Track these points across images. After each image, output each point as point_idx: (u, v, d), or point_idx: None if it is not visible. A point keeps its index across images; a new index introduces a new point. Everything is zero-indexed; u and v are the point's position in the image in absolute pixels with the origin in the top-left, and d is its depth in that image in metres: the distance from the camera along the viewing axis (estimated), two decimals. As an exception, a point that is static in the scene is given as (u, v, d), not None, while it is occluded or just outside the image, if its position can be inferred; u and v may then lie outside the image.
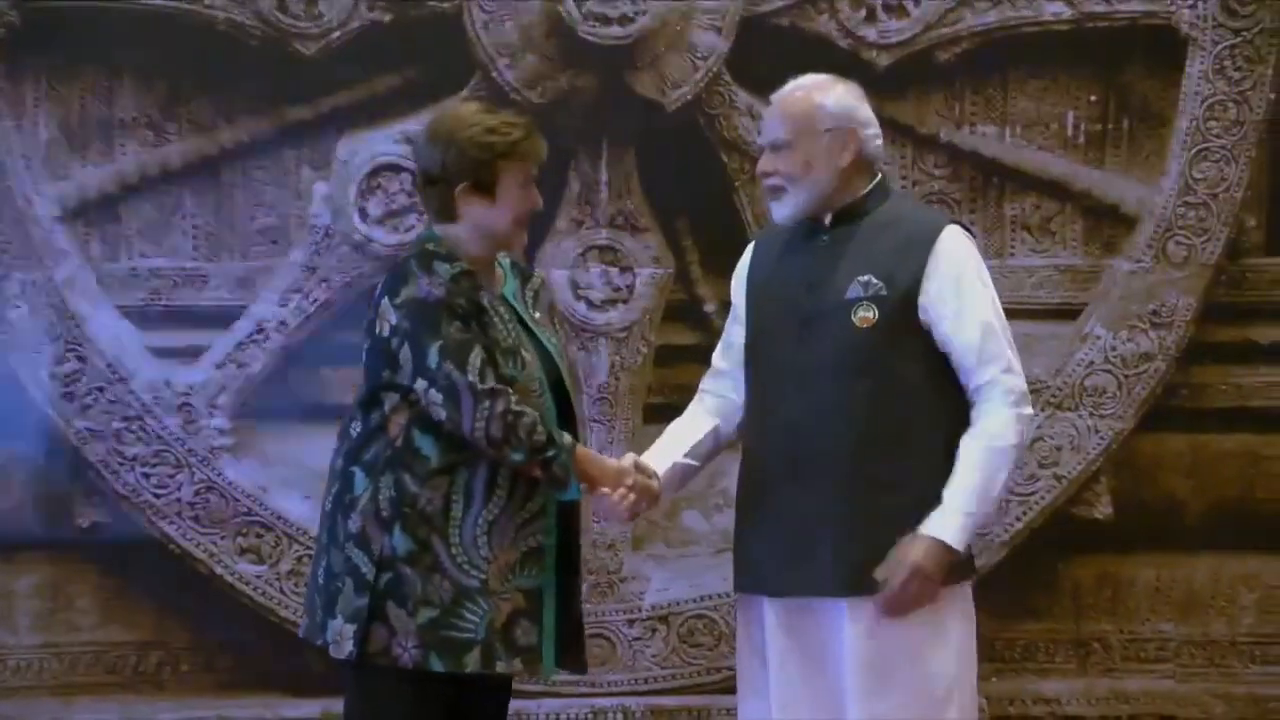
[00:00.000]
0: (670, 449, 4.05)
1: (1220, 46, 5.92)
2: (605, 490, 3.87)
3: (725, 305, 5.96)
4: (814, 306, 3.89)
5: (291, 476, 5.99)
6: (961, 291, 3.87)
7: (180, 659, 6.04)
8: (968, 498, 3.81)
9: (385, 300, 3.76)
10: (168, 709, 5.95)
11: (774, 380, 3.93)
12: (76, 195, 5.99)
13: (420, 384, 3.72)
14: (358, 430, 3.82)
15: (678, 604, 5.94)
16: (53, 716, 5.91)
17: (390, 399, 3.78)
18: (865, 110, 4.00)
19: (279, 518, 5.92)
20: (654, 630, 5.93)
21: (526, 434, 3.71)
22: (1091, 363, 5.95)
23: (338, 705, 5.86)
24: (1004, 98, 6.08)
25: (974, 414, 3.87)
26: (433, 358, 3.70)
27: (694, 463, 4.07)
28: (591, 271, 5.97)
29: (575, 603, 3.94)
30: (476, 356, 3.71)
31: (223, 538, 5.92)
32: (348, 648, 3.73)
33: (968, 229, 3.99)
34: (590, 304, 5.97)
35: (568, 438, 3.79)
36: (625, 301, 5.98)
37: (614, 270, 5.98)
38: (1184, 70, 5.93)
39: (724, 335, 4.16)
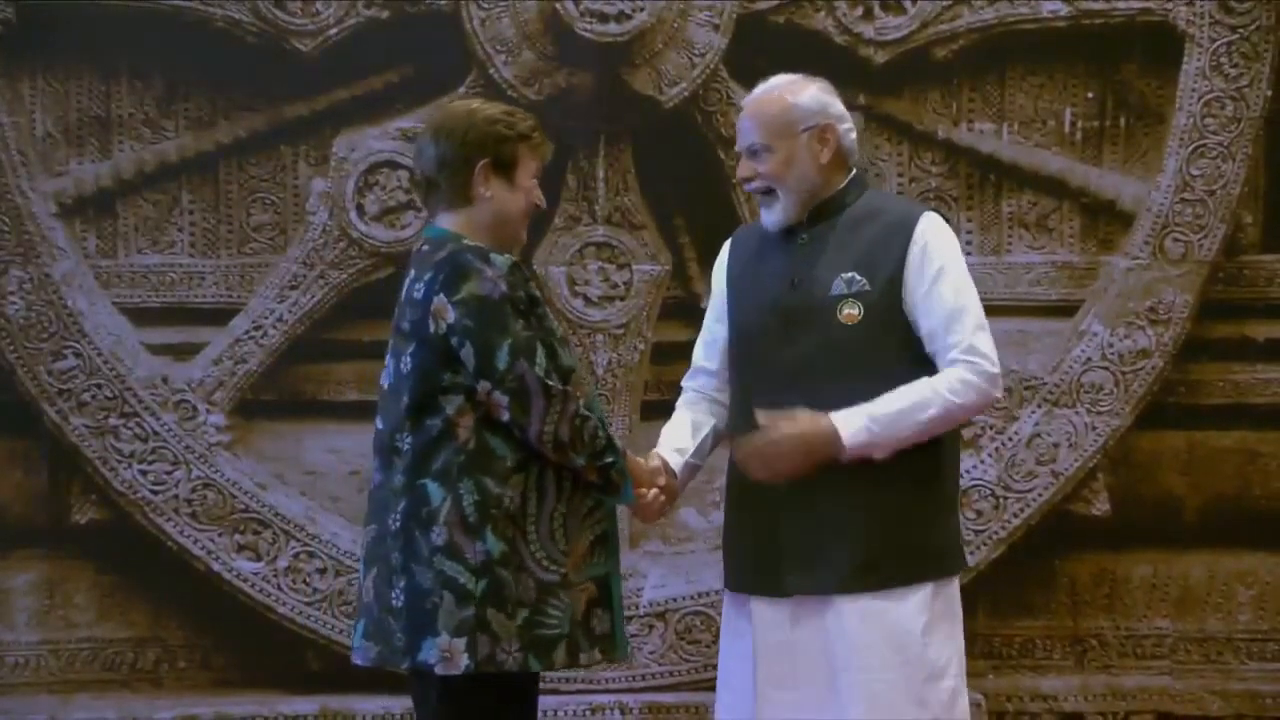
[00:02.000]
0: (678, 449, 4.03)
1: (1217, 43, 5.92)
2: (642, 491, 3.84)
3: (722, 302, 6.01)
4: (797, 305, 3.88)
5: (288, 473, 5.99)
6: (937, 275, 3.86)
7: (177, 656, 6.04)
8: (883, 413, 3.78)
9: (441, 297, 3.62)
10: (165, 706, 5.94)
11: (762, 380, 3.92)
12: (74, 192, 6.00)
13: (483, 385, 3.61)
14: (410, 443, 3.67)
15: (675, 601, 5.94)
16: (50, 713, 5.91)
17: (452, 402, 3.64)
18: (839, 105, 3.98)
19: (276, 514, 5.92)
20: (651, 627, 5.94)
21: (590, 438, 3.65)
22: (1089, 359, 5.95)
23: (335, 703, 5.92)
24: (1001, 95, 6.08)
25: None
26: (503, 358, 3.59)
27: (698, 463, 4.08)
28: (589, 268, 5.98)
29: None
30: (542, 355, 3.63)
31: (220, 534, 5.92)
32: (463, 662, 3.61)
33: (944, 216, 3.99)
34: (587, 300, 5.97)
35: (620, 443, 3.74)
36: (622, 298, 5.98)
37: (611, 267, 5.98)
38: (1181, 67, 5.94)
39: (704, 332, 4.14)
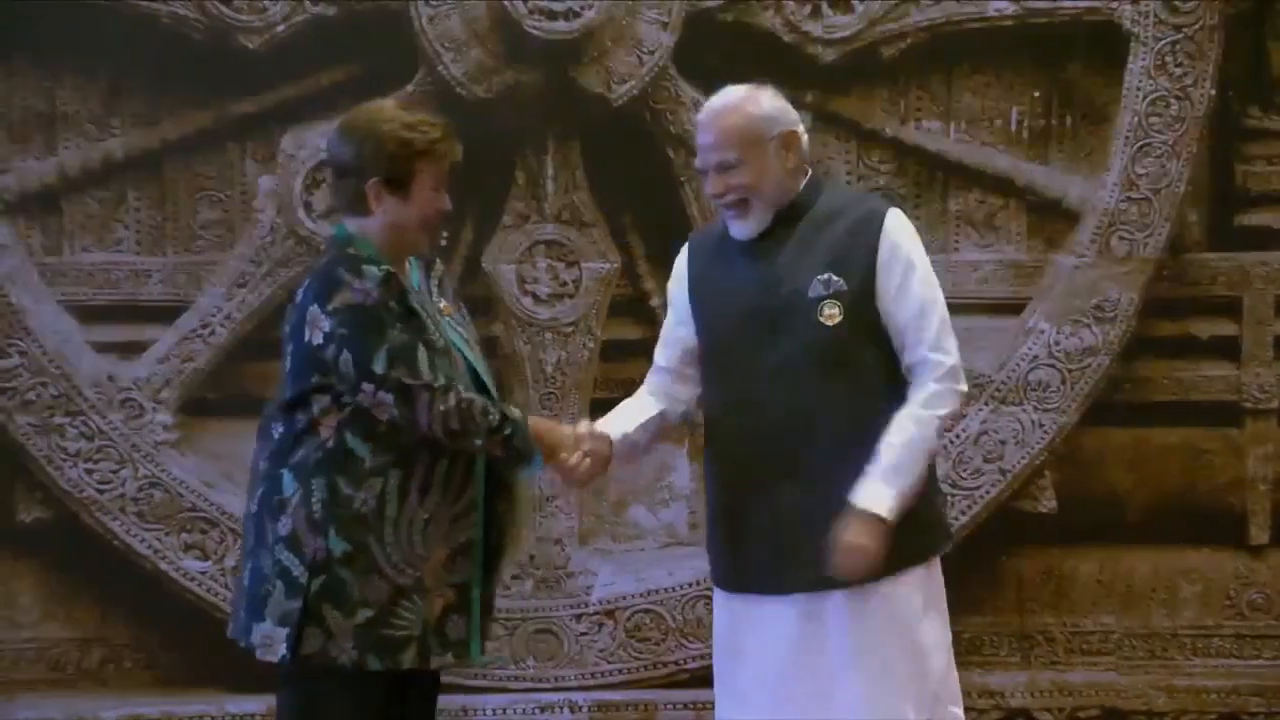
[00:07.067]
0: (620, 423, 4.08)
1: (1162, 43, 5.95)
2: (563, 456, 3.89)
3: (671, 300, 6.01)
4: (776, 307, 3.93)
5: (236, 472, 5.96)
6: (903, 270, 3.96)
7: (123, 655, 6.02)
8: (890, 466, 3.89)
9: (315, 307, 3.73)
10: (111, 705, 5.91)
11: (743, 381, 3.97)
12: (17, 189, 5.96)
13: (367, 387, 3.70)
14: (280, 432, 3.79)
15: (624, 598, 5.94)
16: (-5, 714, 5.88)
17: (320, 402, 3.75)
18: (792, 109, 4.05)
19: (223, 513, 5.90)
20: (601, 625, 5.94)
21: (481, 417, 3.73)
22: (1035, 357, 5.98)
23: (283, 701, 5.87)
24: (948, 93, 6.11)
25: (909, 391, 3.97)
26: (380, 362, 3.69)
27: (641, 440, 4.11)
28: (538, 266, 5.97)
29: (492, 588, 3.95)
30: (422, 355, 3.71)
31: (166, 534, 5.89)
32: (280, 651, 3.72)
33: (903, 209, 4.07)
34: (536, 298, 5.97)
35: (517, 411, 3.82)
36: (571, 296, 5.98)
37: (560, 265, 5.98)
38: (1126, 66, 5.97)
39: (664, 334, 4.18)
